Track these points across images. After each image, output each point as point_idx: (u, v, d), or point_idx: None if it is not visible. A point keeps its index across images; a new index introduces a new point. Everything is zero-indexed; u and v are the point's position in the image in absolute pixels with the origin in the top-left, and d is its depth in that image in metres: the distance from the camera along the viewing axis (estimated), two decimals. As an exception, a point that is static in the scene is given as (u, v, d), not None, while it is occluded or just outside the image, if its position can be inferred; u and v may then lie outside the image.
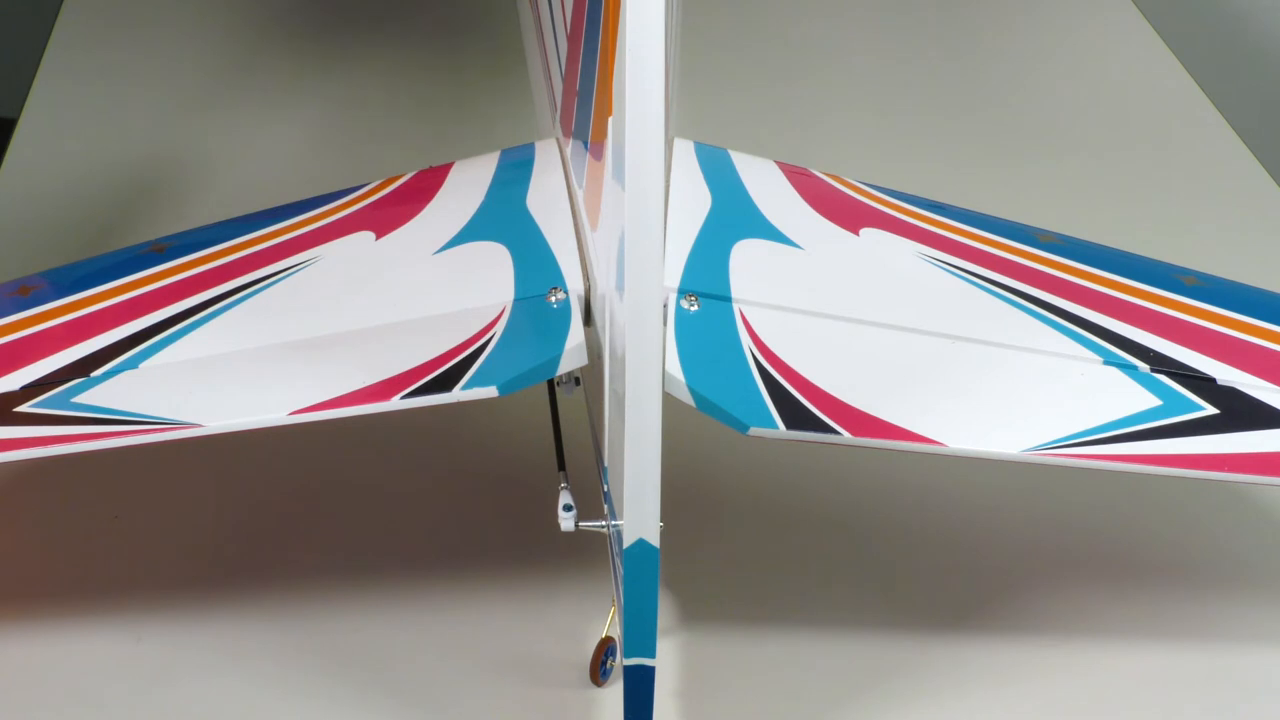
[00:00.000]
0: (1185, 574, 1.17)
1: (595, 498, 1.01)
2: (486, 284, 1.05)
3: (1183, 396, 1.04)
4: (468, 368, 1.00)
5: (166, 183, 1.61)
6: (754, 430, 0.97)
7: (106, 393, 1.03)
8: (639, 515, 0.90)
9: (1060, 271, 1.13)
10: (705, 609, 1.12)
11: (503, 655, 1.09)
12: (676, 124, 1.17)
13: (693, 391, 0.97)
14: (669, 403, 0.93)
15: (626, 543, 0.90)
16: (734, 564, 1.16)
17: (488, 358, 1.00)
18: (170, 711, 1.05)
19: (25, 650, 1.08)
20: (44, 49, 1.82)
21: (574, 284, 1.04)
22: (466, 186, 1.15)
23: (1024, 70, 1.88)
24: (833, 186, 1.18)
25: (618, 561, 0.93)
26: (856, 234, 1.13)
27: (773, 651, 1.10)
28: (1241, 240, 1.57)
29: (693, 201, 1.11)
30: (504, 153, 1.19)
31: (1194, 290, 1.13)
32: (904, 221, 1.15)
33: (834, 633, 1.11)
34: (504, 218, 1.11)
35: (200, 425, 1.00)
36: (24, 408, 1.03)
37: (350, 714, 1.05)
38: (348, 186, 1.19)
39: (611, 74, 0.93)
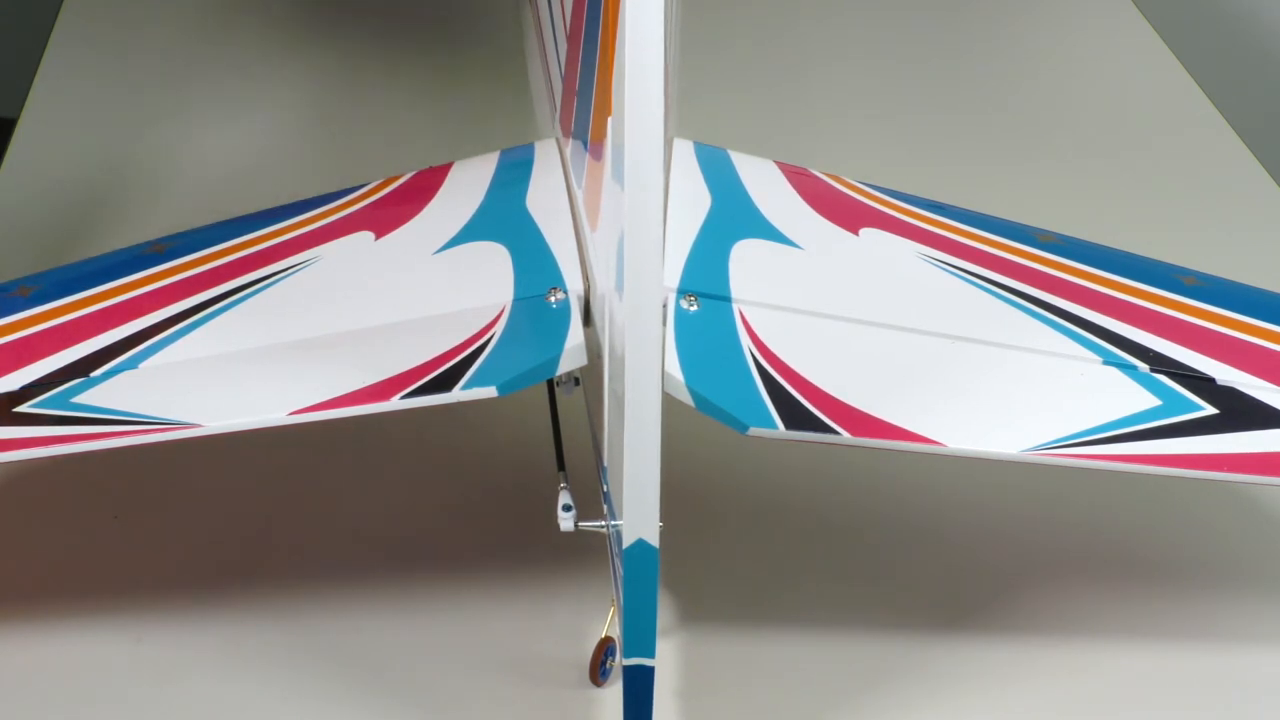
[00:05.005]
0: (1185, 574, 1.17)
1: (595, 498, 1.01)
2: (486, 284, 1.05)
3: (1182, 396, 1.04)
4: (467, 368, 1.00)
5: (166, 182, 1.61)
6: (753, 430, 0.97)
7: (106, 393, 1.03)
8: (638, 515, 0.90)
9: (1060, 271, 1.13)
10: (705, 609, 1.12)
11: (503, 655, 1.09)
12: (676, 124, 1.16)
13: (692, 391, 0.97)
14: (669, 403, 0.93)
15: (626, 543, 0.90)
16: (734, 564, 1.16)
17: (487, 358, 1.00)
18: (170, 711, 1.05)
19: (25, 650, 1.08)
20: (44, 49, 1.82)
21: (573, 284, 1.04)
22: (466, 186, 1.15)
23: (1024, 70, 1.88)
24: (832, 186, 1.18)
25: (617, 561, 0.93)
26: (856, 234, 1.13)
27: (773, 651, 1.10)
28: (1241, 240, 1.57)
29: (692, 201, 1.11)
30: (504, 153, 1.19)
31: (1194, 290, 1.13)
32: (904, 221, 1.15)
33: (834, 633, 1.11)
34: (504, 218, 1.11)
35: (200, 425, 1.00)
36: (24, 408, 1.02)
37: (350, 714, 1.05)
38: (347, 186, 1.19)
39: (611, 74, 0.93)
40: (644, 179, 0.85)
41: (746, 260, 1.07)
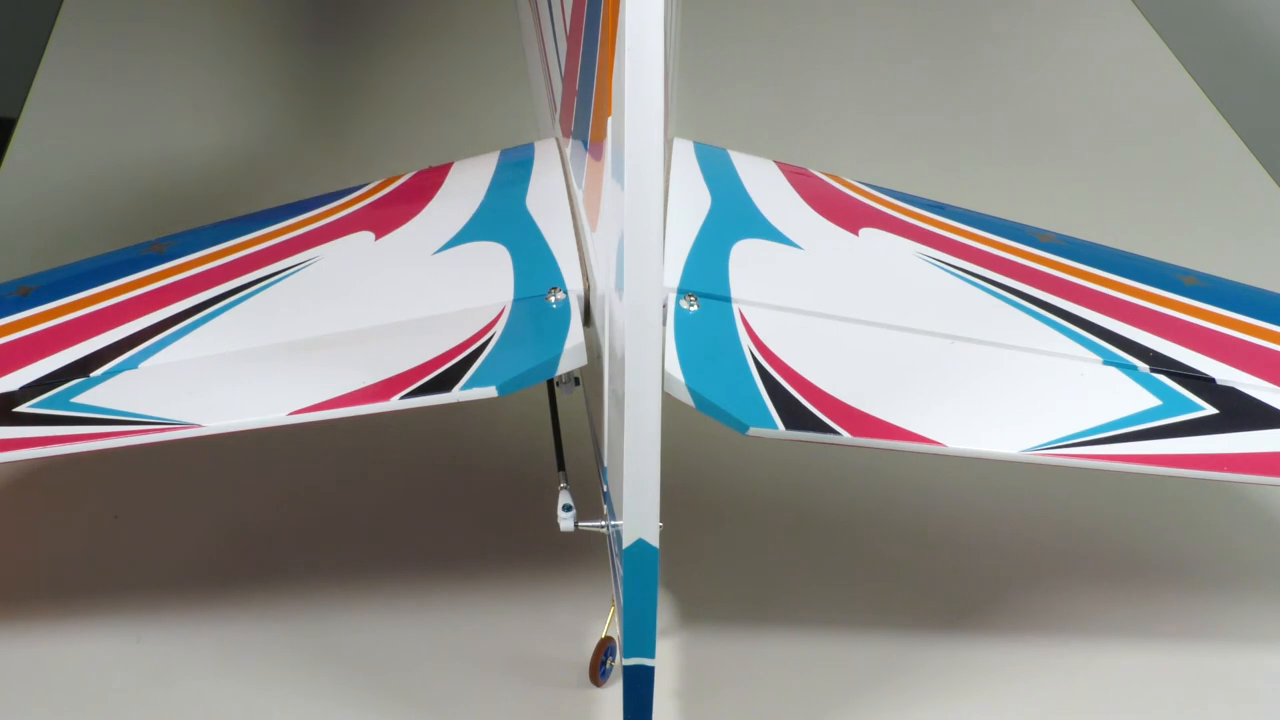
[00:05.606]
0: (1185, 574, 1.17)
1: (595, 498, 1.01)
2: (486, 284, 1.05)
3: (1182, 396, 1.04)
4: (467, 368, 1.00)
5: (166, 183, 1.61)
6: (753, 430, 0.97)
7: (106, 393, 1.03)
8: (638, 515, 0.90)
9: (1060, 271, 1.13)
10: (705, 609, 1.12)
11: (503, 655, 1.09)
12: (676, 124, 1.16)
13: (692, 392, 0.97)
14: (669, 403, 0.93)
15: (626, 543, 0.90)
16: (734, 564, 1.16)
17: (487, 358, 1.00)
18: (169, 711, 1.05)
19: (25, 650, 1.08)
20: (44, 49, 1.82)
21: (573, 284, 1.04)
22: (466, 186, 1.15)
23: (1024, 70, 1.89)
24: (832, 186, 1.18)
25: (617, 562, 0.93)
26: (856, 234, 1.13)
27: (773, 651, 1.10)
28: (1241, 240, 1.57)
29: (692, 201, 1.11)
30: (504, 153, 1.19)
31: (1194, 290, 1.13)
32: (904, 221, 1.15)
33: (834, 633, 1.11)
34: (503, 218, 1.11)
35: (200, 425, 1.00)
36: (24, 408, 1.03)
37: (350, 714, 1.05)
38: (348, 186, 1.19)
39: (611, 74, 0.93)
40: (644, 179, 0.85)
41: (746, 260, 1.07)
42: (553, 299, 1.03)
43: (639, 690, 0.94)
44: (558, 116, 1.18)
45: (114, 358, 1.05)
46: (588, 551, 1.08)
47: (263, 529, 1.19)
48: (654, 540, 0.90)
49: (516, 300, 1.04)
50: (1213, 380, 1.05)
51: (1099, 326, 1.08)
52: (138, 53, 1.83)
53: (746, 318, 1.03)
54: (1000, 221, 1.18)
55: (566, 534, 1.01)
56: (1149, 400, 1.03)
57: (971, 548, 1.18)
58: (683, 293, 1.02)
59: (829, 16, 1.96)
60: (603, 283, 0.98)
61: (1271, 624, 1.13)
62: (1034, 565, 1.17)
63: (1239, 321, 1.10)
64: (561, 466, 1.07)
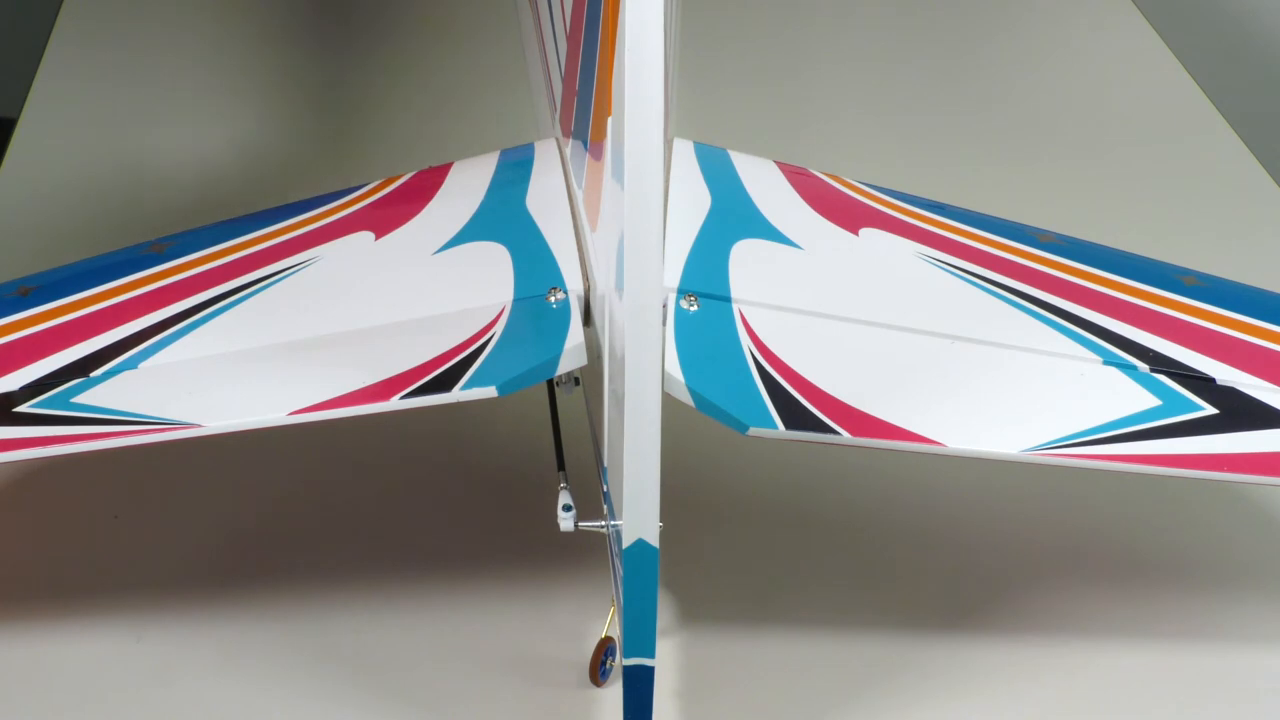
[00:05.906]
0: (1185, 574, 1.17)
1: (595, 498, 1.01)
2: (486, 284, 1.05)
3: (1182, 396, 1.04)
4: (467, 368, 1.00)
5: (166, 183, 1.61)
6: (753, 430, 0.97)
7: (106, 393, 1.03)
8: (638, 515, 0.90)
9: (1060, 271, 1.13)
10: (705, 609, 1.12)
11: (503, 655, 1.09)
12: (676, 124, 1.16)
13: (692, 391, 0.97)
14: (669, 403, 0.93)
15: (626, 543, 0.90)
16: (734, 564, 1.16)
17: (487, 358, 1.00)
18: (170, 711, 1.05)
19: (25, 650, 1.08)
20: (44, 49, 1.82)
21: (573, 284, 1.04)
22: (466, 186, 1.15)
23: (1024, 70, 1.89)
24: (832, 186, 1.18)
25: (617, 562, 0.93)
26: (856, 234, 1.13)
27: (773, 651, 1.10)
28: (1241, 240, 1.57)
29: (692, 201, 1.11)
30: (503, 153, 1.19)
31: (1194, 290, 1.13)
32: (904, 221, 1.15)
33: (834, 633, 1.11)
34: (503, 218, 1.11)
35: (200, 425, 1.00)
36: (24, 408, 1.03)
37: (350, 714, 1.05)
38: (348, 186, 1.19)
39: (611, 74, 0.93)
40: (644, 179, 0.85)
41: (746, 260, 1.07)
42: (553, 299, 1.03)
43: (639, 690, 0.94)
44: (558, 116, 1.18)
45: (114, 358, 1.05)
46: (588, 551, 1.08)
47: (263, 529, 1.19)
48: (654, 540, 0.90)
49: (516, 300, 1.04)
50: (1213, 380, 1.05)
51: (1099, 326, 1.08)
52: (138, 53, 1.83)
53: (746, 318, 1.03)
54: (1000, 221, 1.18)
55: (566, 534, 1.01)
56: (1149, 400, 1.03)
57: (971, 548, 1.18)
58: (683, 293, 1.03)
59: (829, 17, 1.96)
60: (603, 283, 0.98)
61: (1271, 624, 1.13)
62: (1034, 565, 1.17)
63: (1239, 321, 1.10)
64: (561, 466, 1.07)
